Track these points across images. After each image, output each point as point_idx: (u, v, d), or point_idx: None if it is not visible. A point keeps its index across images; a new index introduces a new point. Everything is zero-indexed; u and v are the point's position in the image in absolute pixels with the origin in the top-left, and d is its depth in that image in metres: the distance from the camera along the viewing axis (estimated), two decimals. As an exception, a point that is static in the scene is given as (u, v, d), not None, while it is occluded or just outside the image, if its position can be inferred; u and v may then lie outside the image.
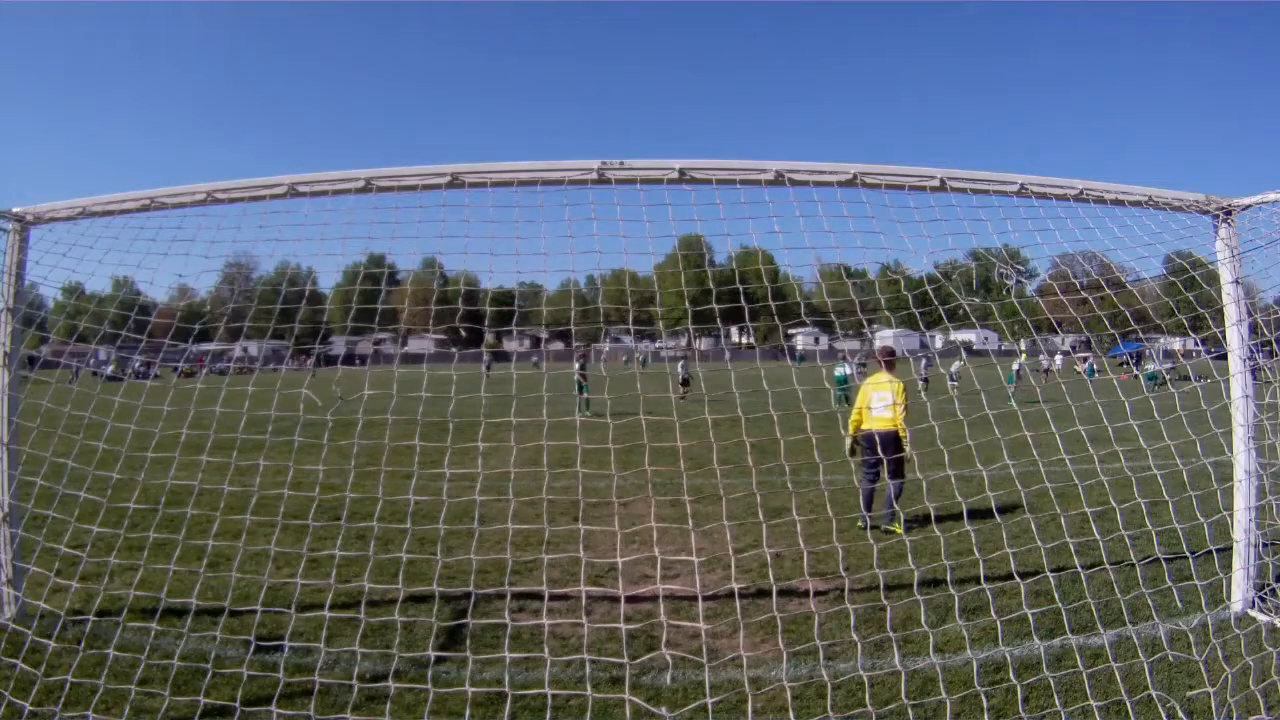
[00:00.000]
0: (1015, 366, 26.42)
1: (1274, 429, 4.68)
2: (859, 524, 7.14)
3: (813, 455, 4.01)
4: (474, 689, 3.61)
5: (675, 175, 4.16)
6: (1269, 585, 4.77)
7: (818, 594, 5.20)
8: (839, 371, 19.53)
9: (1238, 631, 4.14)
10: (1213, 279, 4.78)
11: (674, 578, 5.51)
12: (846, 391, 17.98)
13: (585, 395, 18.09)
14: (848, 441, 7.46)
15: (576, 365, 20.34)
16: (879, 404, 7.26)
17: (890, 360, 7.56)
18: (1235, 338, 4.65)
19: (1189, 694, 3.68)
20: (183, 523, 4.60)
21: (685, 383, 22.56)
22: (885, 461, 6.97)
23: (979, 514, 6.79)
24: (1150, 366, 24.09)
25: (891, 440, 6.96)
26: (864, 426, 7.33)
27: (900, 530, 6.77)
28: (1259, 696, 3.50)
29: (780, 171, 4.20)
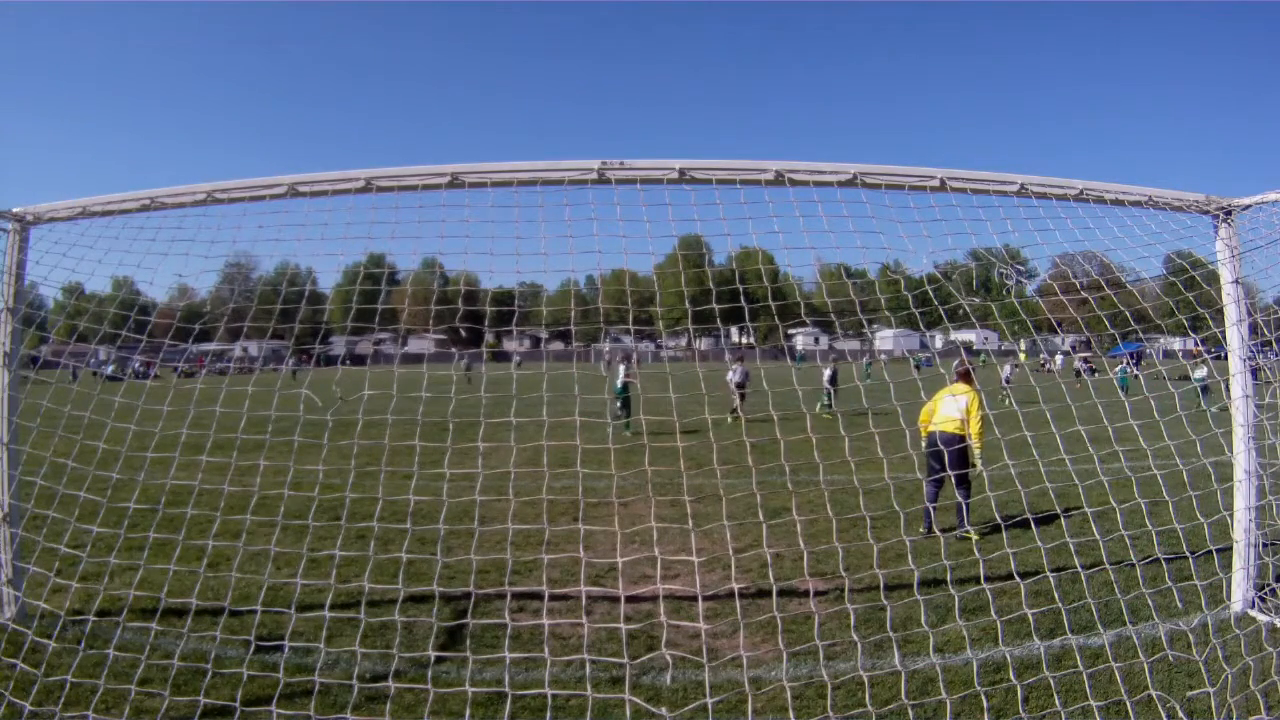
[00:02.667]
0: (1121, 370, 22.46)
1: (1274, 429, 4.68)
2: (921, 529, 6.99)
3: (813, 455, 4.01)
4: (474, 689, 3.61)
5: (675, 175, 4.16)
6: (1269, 585, 4.77)
7: (818, 594, 5.20)
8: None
9: (1238, 631, 4.14)
10: (1213, 279, 4.79)
11: (674, 578, 5.51)
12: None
13: (625, 410, 14.56)
14: (924, 442, 7.35)
15: (621, 370, 15.49)
16: (950, 405, 7.21)
17: (966, 373, 7.51)
18: (1235, 338, 4.66)
19: (1189, 694, 3.68)
20: (183, 523, 4.60)
21: (741, 387, 16.67)
22: (949, 466, 6.86)
23: (980, 513, 6.78)
24: (1198, 374, 22.54)
25: (956, 446, 6.88)
26: (931, 428, 7.28)
27: (975, 536, 6.59)
28: (1259, 696, 3.50)
29: (780, 171, 4.20)
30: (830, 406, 17.57)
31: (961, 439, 6.95)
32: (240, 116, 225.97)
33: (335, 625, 4.46)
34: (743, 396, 16.37)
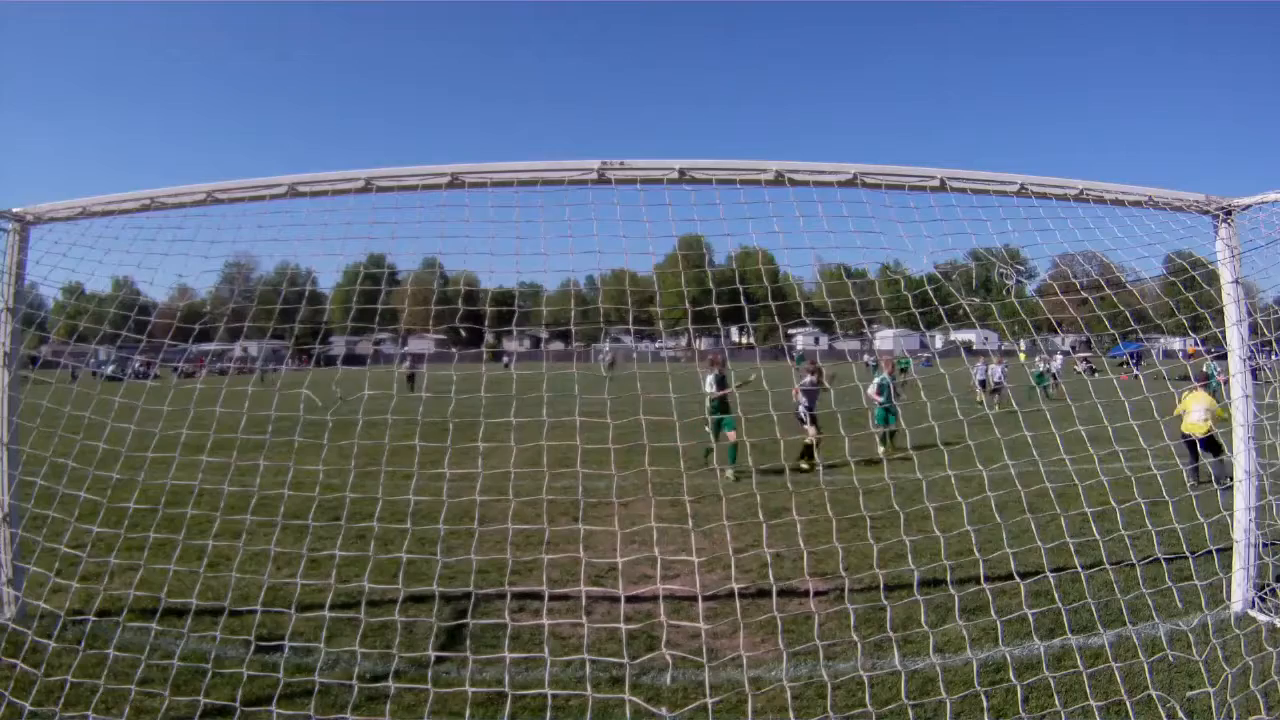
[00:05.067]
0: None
1: (1274, 429, 4.68)
2: (1189, 484, 8.33)
3: (813, 455, 4.00)
4: (474, 689, 3.61)
5: (675, 175, 4.16)
6: (1269, 585, 4.77)
7: (818, 594, 5.20)
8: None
9: (1238, 631, 4.14)
10: (1213, 279, 4.79)
11: (674, 578, 5.50)
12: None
13: (725, 433, 9.99)
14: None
15: (710, 379, 10.11)
16: (1198, 412, 9.45)
17: (1205, 382, 10.16)
18: (1235, 338, 4.66)
19: (1189, 694, 3.68)
20: (183, 523, 4.60)
21: (813, 418, 10.96)
22: (1201, 450, 9.15)
23: (979, 514, 6.75)
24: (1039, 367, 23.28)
25: (1206, 439, 9.20)
26: (1184, 430, 9.48)
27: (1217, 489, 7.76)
28: (1259, 696, 3.50)
29: (780, 171, 4.20)
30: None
31: (1207, 436, 9.12)
32: (240, 116, 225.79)
33: (335, 625, 4.45)
34: (814, 420, 10.94)
